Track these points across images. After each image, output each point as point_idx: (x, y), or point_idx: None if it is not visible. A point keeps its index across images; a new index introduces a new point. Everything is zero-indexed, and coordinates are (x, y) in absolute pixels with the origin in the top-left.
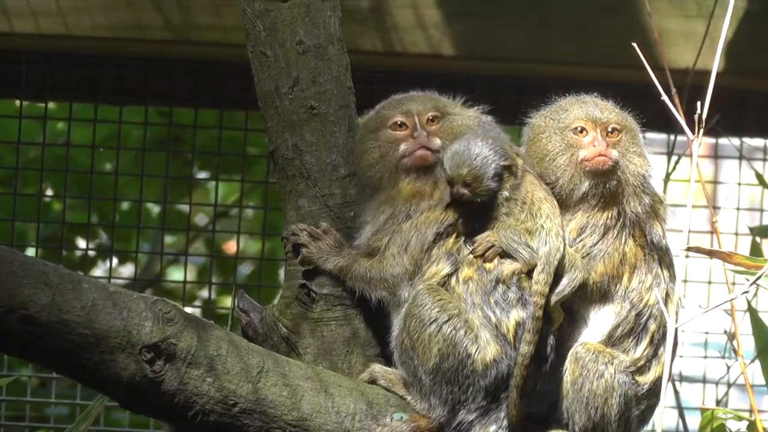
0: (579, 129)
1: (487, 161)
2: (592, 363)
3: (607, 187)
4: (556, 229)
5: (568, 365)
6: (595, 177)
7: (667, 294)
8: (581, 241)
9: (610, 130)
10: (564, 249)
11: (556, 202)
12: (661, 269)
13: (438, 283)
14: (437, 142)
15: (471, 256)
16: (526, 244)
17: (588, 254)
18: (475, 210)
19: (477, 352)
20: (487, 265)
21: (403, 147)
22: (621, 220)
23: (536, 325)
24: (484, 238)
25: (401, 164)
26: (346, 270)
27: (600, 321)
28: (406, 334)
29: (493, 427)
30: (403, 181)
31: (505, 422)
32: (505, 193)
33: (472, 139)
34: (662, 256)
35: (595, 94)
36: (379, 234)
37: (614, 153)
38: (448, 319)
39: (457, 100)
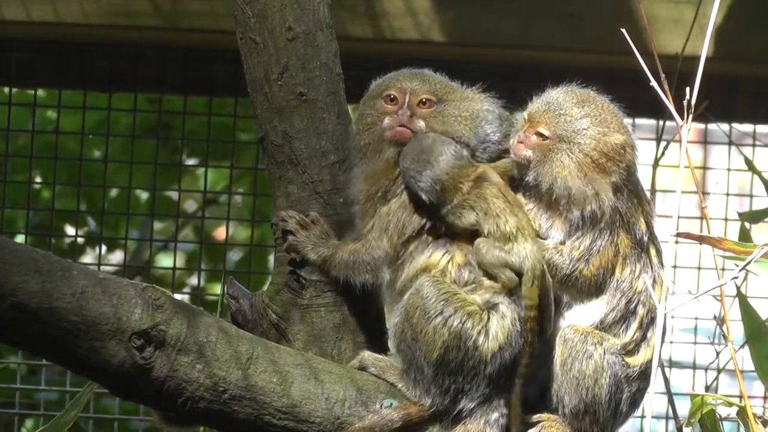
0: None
1: (420, 173)
2: (581, 344)
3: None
4: (531, 236)
5: (557, 348)
6: None
7: (654, 280)
8: (578, 239)
9: None
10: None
11: (525, 216)
12: (649, 257)
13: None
14: (420, 124)
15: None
16: (505, 264)
17: (589, 252)
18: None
19: (484, 342)
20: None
21: (386, 121)
22: (602, 216)
23: (533, 337)
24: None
25: (384, 136)
26: (329, 259)
27: (591, 310)
28: (408, 325)
29: (495, 415)
30: (387, 151)
31: (505, 410)
32: (449, 206)
33: (424, 143)
34: (649, 246)
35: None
36: (364, 219)
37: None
38: (454, 312)
39: (471, 88)
